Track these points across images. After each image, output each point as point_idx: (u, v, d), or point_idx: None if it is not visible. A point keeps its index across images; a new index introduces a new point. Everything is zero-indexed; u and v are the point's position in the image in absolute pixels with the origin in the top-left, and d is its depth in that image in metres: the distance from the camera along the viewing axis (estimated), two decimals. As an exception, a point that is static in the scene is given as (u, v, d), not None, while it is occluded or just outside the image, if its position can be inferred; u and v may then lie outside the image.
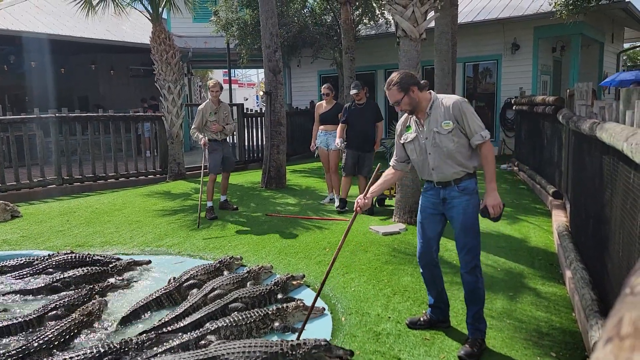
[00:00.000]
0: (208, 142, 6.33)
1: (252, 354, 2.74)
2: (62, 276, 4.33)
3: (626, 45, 17.43)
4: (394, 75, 3.12)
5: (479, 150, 3.01)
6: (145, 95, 15.27)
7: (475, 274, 3.04)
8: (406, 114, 3.22)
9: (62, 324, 3.30)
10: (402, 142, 3.27)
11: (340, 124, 6.37)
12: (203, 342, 3.08)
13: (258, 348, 2.78)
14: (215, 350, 2.79)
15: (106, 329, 3.51)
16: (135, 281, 4.47)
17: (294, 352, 2.79)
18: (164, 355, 2.91)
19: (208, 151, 6.43)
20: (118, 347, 2.94)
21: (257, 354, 2.74)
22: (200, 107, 6.47)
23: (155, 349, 3.01)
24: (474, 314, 3.06)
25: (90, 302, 3.74)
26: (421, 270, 3.33)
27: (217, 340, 3.07)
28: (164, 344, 3.05)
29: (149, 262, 4.77)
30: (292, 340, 2.91)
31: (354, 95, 6.28)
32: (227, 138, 6.77)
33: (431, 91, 3.17)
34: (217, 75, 32.59)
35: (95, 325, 3.53)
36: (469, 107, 3.02)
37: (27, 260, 4.73)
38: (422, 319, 3.33)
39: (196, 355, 2.77)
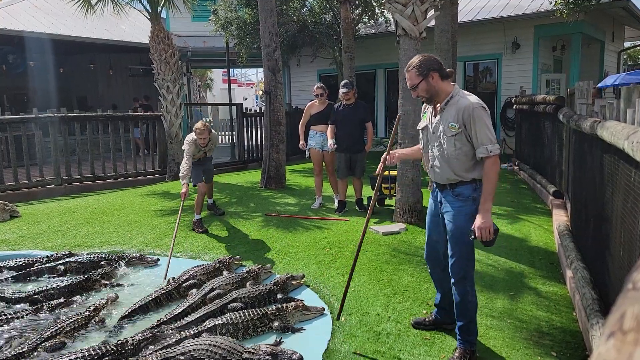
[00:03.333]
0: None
1: (213, 354, 2.74)
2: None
3: (627, 44, 17.43)
4: (416, 57, 2.86)
5: (483, 164, 2.75)
6: (144, 95, 15.28)
7: (465, 285, 2.85)
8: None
9: (70, 319, 3.39)
10: (417, 127, 3.15)
11: (329, 125, 6.31)
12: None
13: (222, 348, 2.78)
14: (183, 347, 2.81)
15: (104, 329, 3.50)
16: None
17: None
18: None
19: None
20: (115, 348, 2.93)
21: (217, 355, 2.74)
22: (188, 145, 5.83)
23: (151, 347, 3.00)
24: (461, 326, 2.88)
25: (99, 298, 3.81)
26: (429, 271, 3.25)
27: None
28: (161, 342, 3.04)
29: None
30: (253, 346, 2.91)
31: (343, 94, 6.23)
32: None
33: (454, 84, 2.88)
34: (216, 74, 32.38)
35: (93, 325, 3.52)
36: (482, 115, 2.70)
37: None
38: (427, 319, 3.30)
39: (167, 354, 2.78)
